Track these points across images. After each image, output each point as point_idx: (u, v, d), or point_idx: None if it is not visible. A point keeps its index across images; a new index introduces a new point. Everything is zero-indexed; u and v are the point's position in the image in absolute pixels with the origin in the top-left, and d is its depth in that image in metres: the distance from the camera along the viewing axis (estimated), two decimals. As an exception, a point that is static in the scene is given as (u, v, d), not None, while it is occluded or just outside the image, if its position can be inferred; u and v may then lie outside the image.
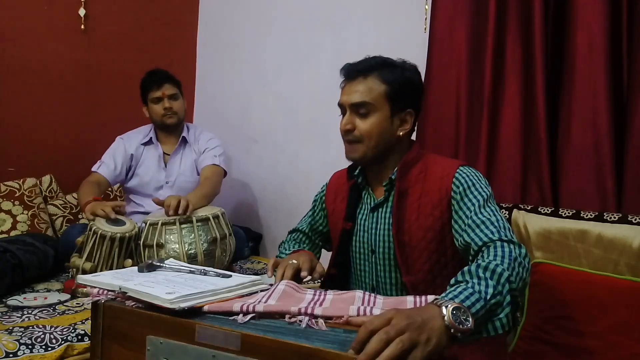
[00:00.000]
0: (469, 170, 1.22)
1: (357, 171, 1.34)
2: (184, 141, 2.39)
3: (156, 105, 2.30)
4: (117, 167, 2.27)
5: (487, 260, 0.98)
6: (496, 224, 1.09)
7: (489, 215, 1.12)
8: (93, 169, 2.25)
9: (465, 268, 0.98)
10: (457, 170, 1.21)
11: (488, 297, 0.89)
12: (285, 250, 1.44)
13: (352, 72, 1.28)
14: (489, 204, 1.15)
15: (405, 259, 1.21)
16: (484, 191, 1.18)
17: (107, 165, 2.26)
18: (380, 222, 1.28)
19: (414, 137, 1.39)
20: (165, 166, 2.35)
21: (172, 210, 1.83)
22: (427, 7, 2.13)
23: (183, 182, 2.33)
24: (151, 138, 2.36)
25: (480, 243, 1.07)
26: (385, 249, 1.25)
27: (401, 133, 1.26)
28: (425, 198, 1.22)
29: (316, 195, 1.50)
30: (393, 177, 1.26)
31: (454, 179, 1.20)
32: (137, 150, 2.34)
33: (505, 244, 1.03)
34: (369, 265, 1.30)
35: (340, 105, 1.30)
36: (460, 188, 1.18)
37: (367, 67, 1.26)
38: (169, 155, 2.37)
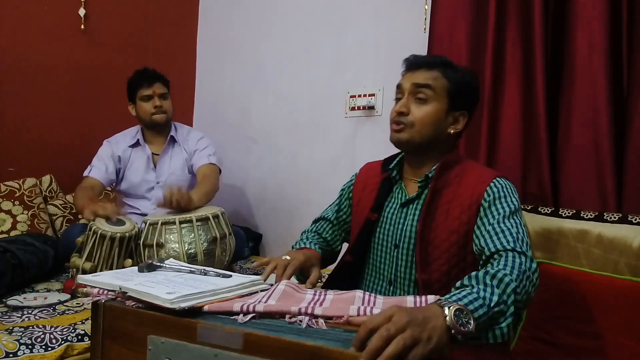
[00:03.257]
0: (505, 182, 1.23)
1: (393, 164, 1.34)
2: (173, 140, 2.38)
3: (146, 103, 2.29)
4: (108, 168, 2.27)
5: (496, 268, 0.98)
6: (515, 235, 1.09)
7: (511, 226, 1.12)
8: (85, 173, 2.25)
9: (473, 273, 0.98)
10: (494, 180, 1.22)
11: (492, 304, 0.89)
12: (302, 240, 1.44)
13: (417, 62, 1.28)
14: (515, 217, 1.15)
15: (425, 256, 1.21)
16: (513, 204, 1.18)
17: (98, 168, 2.25)
18: (408, 218, 1.27)
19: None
20: (155, 167, 2.34)
21: (173, 202, 1.86)
22: (427, 7, 2.13)
23: (174, 181, 2.32)
24: (138, 140, 2.35)
25: (493, 249, 1.07)
26: (410, 245, 1.25)
27: (452, 131, 1.26)
28: (456, 201, 1.22)
29: (344, 185, 1.49)
30: (430, 174, 1.25)
31: (488, 188, 1.20)
32: (124, 153, 2.32)
33: (517, 255, 1.03)
34: (390, 260, 1.29)
35: (400, 87, 1.28)
36: (492, 196, 1.18)
37: (432, 61, 1.27)
38: (157, 155, 2.36)
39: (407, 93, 1.25)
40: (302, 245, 1.40)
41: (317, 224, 1.50)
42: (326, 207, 1.53)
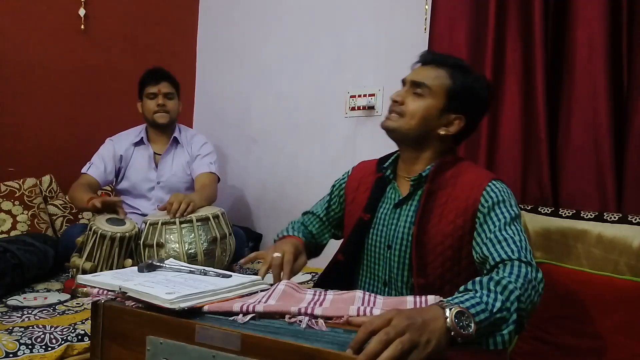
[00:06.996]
0: (502, 186, 1.20)
1: (388, 162, 1.34)
2: (176, 141, 2.38)
3: (150, 101, 2.29)
4: (107, 168, 2.27)
5: (501, 275, 0.97)
6: (518, 243, 1.08)
7: (513, 234, 1.10)
8: (83, 170, 2.24)
9: (477, 278, 0.97)
10: (490, 183, 1.19)
11: (494, 310, 0.88)
12: (287, 230, 1.44)
13: (428, 58, 1.31)
14: (515, 224, 1.13)
15: (420, 259, 1.20)
16: (513, 210, 1.16)
17: (97, 167, 2.25)
18: (402, 219, 1.26)
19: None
20: (157, 166, 2.34)
21: (177, 214, 1.83)
22: (427, 7, 2.13)
23: (175, 182, 2.33)
24: (142, 138, 2.35)
25: (498, 259, 1.06)
26: (402, 247, 1.24)
27: (442, 132, 1.25)
28: (451, 204, 1.20)
29: (336, 181, 1.48)
30: (424, 174, 1.24)
31: (484, 192, 1.18)
32: (126, 151, 2.32)
33: (523, 265, 1.02)
34: (383, 261, 1.28)
35: (403, 80, 1.31)
36: (490, 202, 1.16)
37: (443, 60, 1.29)
38: (159, 155, 2.36)
39: (408, 86, 1.28)
40: (286, 234, 1.40)
41: (305, 217, 1.51)
42: (317, 202, 1.53)
